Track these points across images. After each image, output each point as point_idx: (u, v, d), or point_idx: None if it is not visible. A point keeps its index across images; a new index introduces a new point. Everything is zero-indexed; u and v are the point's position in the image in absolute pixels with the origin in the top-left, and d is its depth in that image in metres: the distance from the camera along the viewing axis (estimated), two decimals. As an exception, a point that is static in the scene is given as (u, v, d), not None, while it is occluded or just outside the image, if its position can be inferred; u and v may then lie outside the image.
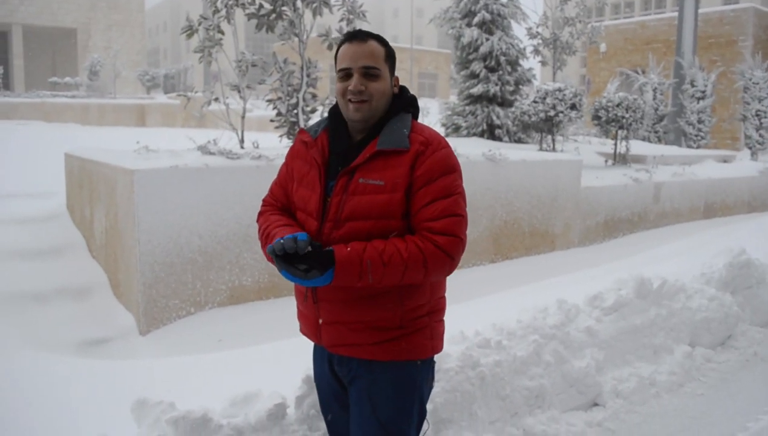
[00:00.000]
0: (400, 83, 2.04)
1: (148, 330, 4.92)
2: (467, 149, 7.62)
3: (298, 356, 3.15)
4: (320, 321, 1.97)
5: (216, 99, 6.98)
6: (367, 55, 1.90)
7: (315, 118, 7.55)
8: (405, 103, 1.99)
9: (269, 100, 7.40)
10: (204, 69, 35.02)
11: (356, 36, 1.93)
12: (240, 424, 2.52)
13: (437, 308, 2.02)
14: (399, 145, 1.87)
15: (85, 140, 13.76)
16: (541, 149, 10.86)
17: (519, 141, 12.64)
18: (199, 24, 6.94)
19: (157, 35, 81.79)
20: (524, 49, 13.27)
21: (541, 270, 6.98)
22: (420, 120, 2.04)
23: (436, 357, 2.10)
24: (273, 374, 3.08)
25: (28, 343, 4.72)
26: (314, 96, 7.52)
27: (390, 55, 1.97)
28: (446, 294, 2.07)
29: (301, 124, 7.25)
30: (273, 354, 3.70)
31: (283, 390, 2.66)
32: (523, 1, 13.56)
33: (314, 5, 7.15)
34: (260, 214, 2.10)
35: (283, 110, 7.28)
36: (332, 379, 2.10)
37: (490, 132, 12.72)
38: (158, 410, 2.54)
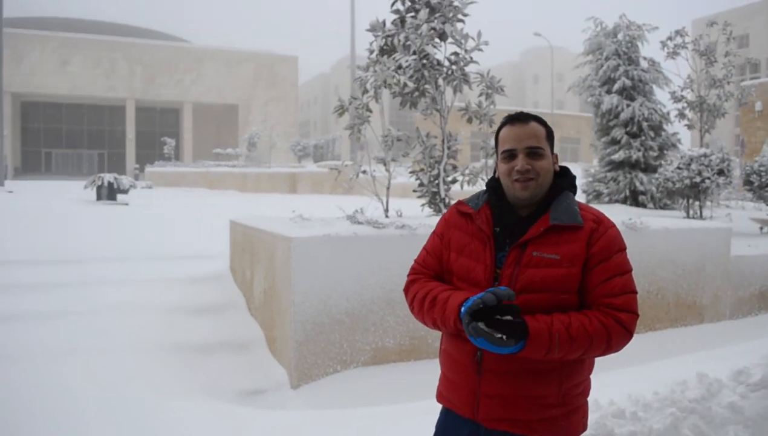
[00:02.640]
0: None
1: (298, 384, 5.35)
2: (609, 216, 7.58)
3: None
4: (479, 393, 1.94)
5: (364, 171, 7.56)
6: (531, 135, 1.97)
7: (455, 188, 7.91)
8: (569, 182, 2.06)
9: (412, 172, 7.86)
10: (351, 140, 37.01)
11: (518, 118, 2.00)
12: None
13: (588, 388, 2.05)
14: (574, 221, 1.93)
15: (244, 206, 15.19)
16: (687, 216, 10.47)
17: (664, 207, 12.26)
18: (350, 103, 7.62)
19: (309, 108, 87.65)
20: (668, 113, 12.99)
21: (686, 343, 6.72)
22: None
23: None
24: (424, 432, 3.31)
25: (195, 389, 5.31)
26: (454, 167, 7.89)
27: (550, 134, 2.04)
28: None
29: (442, 193, 7.63)
30: (422, 412, 3.93)
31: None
32: (666, 65, 13.36)
33: (455, 83, 7.60)
34: (412, 281, 2.12)
35: (425, 181, 7.70)
36: None
37: (633, 198, 12.46)
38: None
